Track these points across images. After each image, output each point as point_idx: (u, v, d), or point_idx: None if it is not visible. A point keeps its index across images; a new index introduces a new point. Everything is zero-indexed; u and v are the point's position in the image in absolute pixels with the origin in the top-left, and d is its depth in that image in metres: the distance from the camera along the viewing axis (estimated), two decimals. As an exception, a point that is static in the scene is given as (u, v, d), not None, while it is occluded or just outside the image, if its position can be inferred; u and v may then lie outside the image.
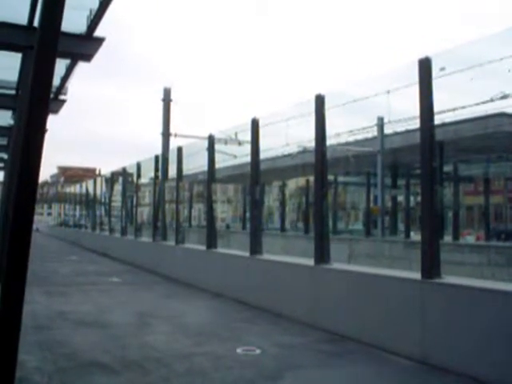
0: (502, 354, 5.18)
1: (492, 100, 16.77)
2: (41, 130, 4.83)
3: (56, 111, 13.72)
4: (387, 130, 22.53)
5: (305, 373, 5.85)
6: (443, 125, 19.70)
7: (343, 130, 19.17)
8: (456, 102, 16.67)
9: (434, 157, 6.21)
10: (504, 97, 16.62)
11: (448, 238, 27.26)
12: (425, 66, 6.38)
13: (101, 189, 26.08)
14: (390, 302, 6.62)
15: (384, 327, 6.64)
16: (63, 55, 9.12)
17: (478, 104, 17.48)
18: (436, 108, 6.56)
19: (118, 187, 22.26)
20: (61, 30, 4.77)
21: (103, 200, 25.80)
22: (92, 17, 8.55)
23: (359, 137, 21.97)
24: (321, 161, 7.96)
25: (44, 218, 66.95)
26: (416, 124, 6.71)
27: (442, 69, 6.99)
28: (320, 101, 7.97)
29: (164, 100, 19.75)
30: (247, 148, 10.56)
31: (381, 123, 20.88)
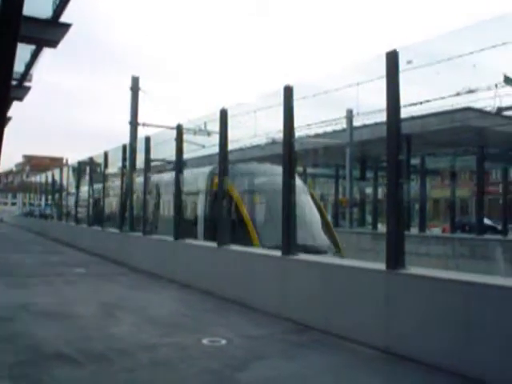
0: (465, 343, 5.28)
1: (458, 94, 17.03)
2: (1, 116, 4.72)
3: (20, 98, 13.45)
4: (357, 123, 22.71)
5: (270, 363, 5.88)
6: (411, 118, 19.97)
7: (313, 121, 19.22)
8: (424, 96, 16.86)
9: (400, 150, 6.28)
10: (470, 91, 16.89)
11: (415, 230, 27.72)
12: (392, 59, 6.42)
13: (67, 178, 25.66)
14: (355, 292, 6.69)
15: (350, 317, 6.71)
16: (27, 41, 8.92)
17: (444, 98, 17.70)
18: (404, 101, 6.61)
19: (87, 177, 21.93)
20: (23, 13, 4.66)
21: (70, 190, 25.40)
22: (58, 1, 8.36)
23: (329, 129, 22.08)
24: (289, 152, 7.97)
25: (8, 208, 65.62)
26: (384, 117, 6.74)
27: (409, 62, 7.04)
28: (288, 92, 7.96)
29: (132, 89, 19.53)
30: (216, 138, 10.50)
31: (350, 115, 21.03)
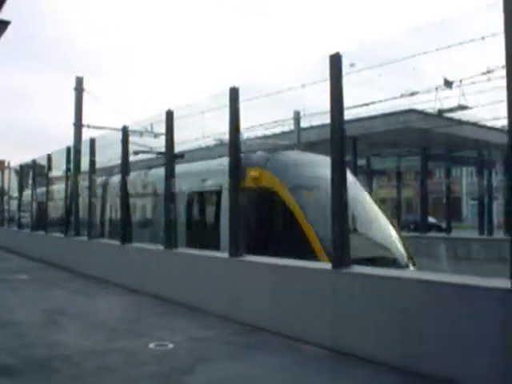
0: (407, 339, 5.42)
1: (402, 96, 17.45)
2: None
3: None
4: (305, 124, 22.88)
5: (218, 365, 5.86)
6: (357, 120, 20.33)
7: (260, 123, 19.28)
8: (371, 98, 17.18)
9: (344, 151, 6.37)
10: (413, 93, 17.34)
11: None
12: (335, 62, 6.52)
13: (9, 182, 24.84)
14: (303, 292, 6.73)
15: (298, 317, 6.75)
16: (-37, 39, 8.58)
17: (389, 100, 18.08)
18: (351, 103, 6.71)
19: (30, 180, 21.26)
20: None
21: (12, 194, 24.59)
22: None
23: (277, 130, 22.19)
24: (235, 154, 7.96)
25: None
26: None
27: (352, 65, 7.17)
28: (234, 93, 7.96)
29: (76, 89, 19.10)
30: (163, 140, 10.38)
31: (297, 117, 21.15)
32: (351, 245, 8.70)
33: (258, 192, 9.76)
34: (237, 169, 7.99)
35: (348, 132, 9.10)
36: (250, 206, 9.87)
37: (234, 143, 7.97)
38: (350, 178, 10.77)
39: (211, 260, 8.76)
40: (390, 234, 10.28)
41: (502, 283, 4.76)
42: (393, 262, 9.00)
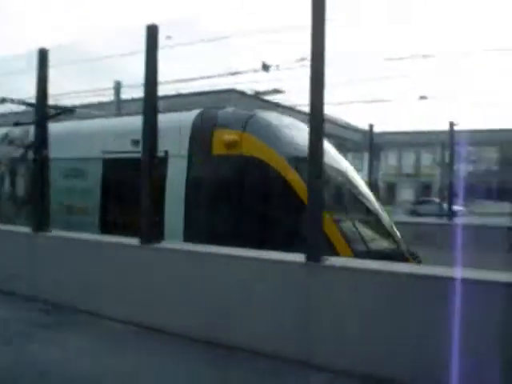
0: (209, 314, 5.55)
1: (223, 75, 17.85)
2: None
3: None
4: (128, 96, 22.24)
5: (9, 348, 5.44)
6: (181, 95, 20.36)
7: (80, 90, 18.39)
8: (195, 74, 17.33)
9: (156, 127, 6.28)
10: (234, 73, 17.81)
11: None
12: (152, 33, 6.38)
13: None
14: (114, 267, 6.54)
15: (105, 293, 6.55)
16: None
17: (217, 76, 18.36)
18: (172, 77, 6.61)
19: None
20: None
21: None
22: None
23: (95, 100, 21.33)
24: (41, 121, 7.40)
25: None
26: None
27: (169, 37, 7.09)
28: (42, 55, 7.38)
29: None
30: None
31: (117, 87, 20.43)
32: (364, 237, 7.09)
33: (238, 163, 7.33)
34: (44, 136, 7.42)
35: (171, 107, 8.99)
36: (224, 181, 7.54)
37: (41, 109, 7.39)
38: (332, 151, 8.49)
39: (11, 235, 8.10)
40: (389, 221, 8.24)
41: (298, 257, 5.04)
42: (401, 256, 7.25)
